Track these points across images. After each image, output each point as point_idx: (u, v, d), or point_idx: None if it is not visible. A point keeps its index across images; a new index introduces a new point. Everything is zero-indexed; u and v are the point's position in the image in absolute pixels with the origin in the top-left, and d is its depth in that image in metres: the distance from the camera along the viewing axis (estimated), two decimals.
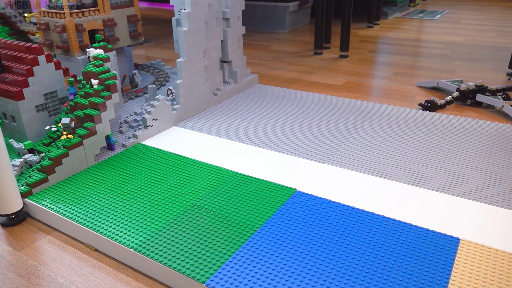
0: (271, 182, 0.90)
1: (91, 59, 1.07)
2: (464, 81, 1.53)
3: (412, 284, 0.62)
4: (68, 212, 0.82)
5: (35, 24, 1.85)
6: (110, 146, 1.06)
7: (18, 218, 0.86)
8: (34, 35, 1.93)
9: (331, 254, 0.69)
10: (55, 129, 1.04)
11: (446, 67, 1.83)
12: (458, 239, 0.71)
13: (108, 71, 1.02)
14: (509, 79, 1.57)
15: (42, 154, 0.97)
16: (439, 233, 0.73)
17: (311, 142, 1.09)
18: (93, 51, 1.07)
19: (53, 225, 0.85)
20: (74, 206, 0.84)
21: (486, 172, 0.92)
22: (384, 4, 3.03)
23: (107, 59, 1.05)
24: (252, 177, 0.92)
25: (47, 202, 0.85)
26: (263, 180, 0.91)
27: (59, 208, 0.83)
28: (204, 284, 0.64)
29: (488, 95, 1.37)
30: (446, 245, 0.70)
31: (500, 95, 1.37)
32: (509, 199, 0.83)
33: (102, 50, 1.09)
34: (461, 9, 3.33)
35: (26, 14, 1.98)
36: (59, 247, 0.79)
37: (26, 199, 0.87)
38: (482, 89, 1.38)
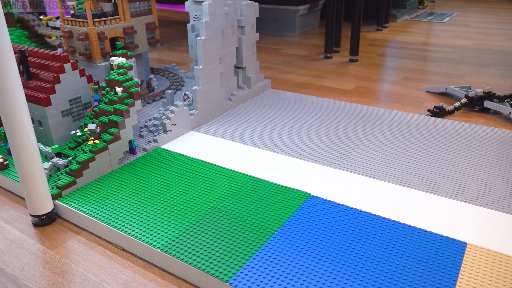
0: (286, 187, 0.95)
1: (115, 67, 1.12)
2: (472, 87, 1.57)
3: (421, 285, 0.67)
4: (96, 213, 0.87)
5: (52, 28, 1.92)
6: (132, 150, 1.11)
7: (49, 218, 0.92)
8: (50, 37, 1.99)
9: (345, 256, 0.74)
10: (80, 133, 1.10)
11: (455, 72, 1.86)
12: (465, 244, 0.76)
13: (131, 79, 1.08)
14: None
15: (69, 158, 1.03)
16: (447, 238, 0.77)
17: (324, 148, 1.13)
18: (116, 60, 1.12)
19: (82, 225, 0.90)
20: (101, 207, 0.89)
21: (494, 179, 0.96)
22: (393, 7, 3.06)
23: (130, 68, 1.11)
24: (268, 182, 0.97)
25: (76, 204, 0.91)
26: (278, 185, 0.96)
27: (87, 209, 0.89)
28: (227, 283, 0.69)
29: (496, 102, 1.40)
30: (454, 249, 0.74)
31: (507, 101, 1.41)
32: None
33: (125, 59, 1.14)
34: (470, 11, 3.35)
35: (42, 17, 2.04)
36: (89, 247, 0.84)
37: (56, 201, 0.92)
38: (490, 96, 1.42)
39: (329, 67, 2.01)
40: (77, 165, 0.96)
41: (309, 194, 0.92)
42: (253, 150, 1.13)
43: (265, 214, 0.86)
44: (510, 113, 1.33)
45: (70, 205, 0.91)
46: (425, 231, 0.79)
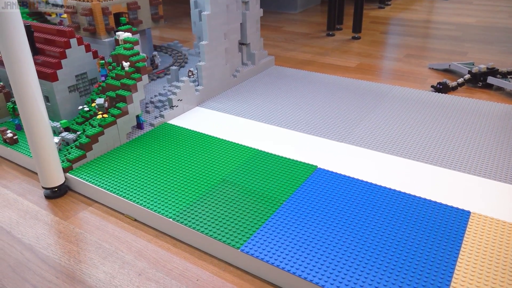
0: (293, 160, 0.97)
1: (121, 42, 1.12)
2: (475, 64, 1.57)
3: (425, 254, 0.69)
4: (108, 185, 0.89)
5: (53, 5, 1.90)
6: (139, 125, 1.12)
7: (61, 191, 0.93)
8: (50, 15, 1.97)
9: (351, 226, 0.76)
10: (87, 108, 1.11)
11: (458, 49, 1.86)
12: (469, 212, 0.78)
13: (138, 53, 1.08)
14: None
15: (78, 133, 1.04)
16: (451, 207, 0.80)
17: (329, 122, 1.15)
18: (122, 35, 1.12)
19: (93, 197, 0.92)
20: (112, 179, 0.91)
21: (496, 151, 0.98)
22: None
23: (136, 42, 1.11)
24: (275, 155, 0.99)
25: (87, 176, 0.93)
26: (285, 158, 0.97)
27: (98, 181, 0.91)
28: (239, 250, 0.71)
29: (499, 78, 1.41)
30: (458, 218, 0.77)
31: (510, 77, 1.42)
32: None
33: (130, 34, 1.14)
34: None
35: None
36: (101, 217, 0.87)
37: (67, 174, 0.94)
38: (493, 72, 1.43)
39: (332, 45, 2.01)
40: (87, 139, 0.97)
41: (316, 166, 0.94)
42: (259, 125, 1.14)
43: (273, 186, 0.87)
44: None
45: (81, 177, 0.92)
46: (430, 201, 0.82)
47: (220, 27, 1.28)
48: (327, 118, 1.17)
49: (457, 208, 0.79)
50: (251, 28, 1.44)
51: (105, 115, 1.01)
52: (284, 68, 1.60)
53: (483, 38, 2.02)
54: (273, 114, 1.20)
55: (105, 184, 0.90)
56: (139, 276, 0.71)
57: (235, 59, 1.41)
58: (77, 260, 0.75)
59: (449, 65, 1.58)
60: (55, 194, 0.93)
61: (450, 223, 0.75)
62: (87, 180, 0.92)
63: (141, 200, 0.84)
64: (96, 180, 0.91)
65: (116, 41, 1.16)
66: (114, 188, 0.88)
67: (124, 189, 0.88)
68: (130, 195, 0.86)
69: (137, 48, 1.13)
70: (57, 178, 0.92)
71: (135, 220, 0.86)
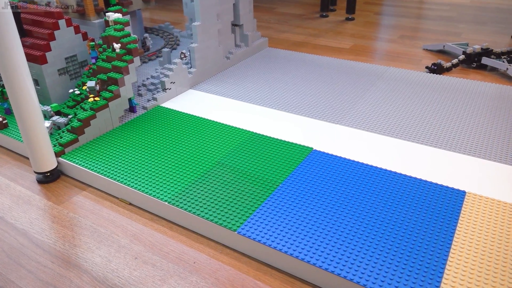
0: (288, 142, 0.96)
1: (111, 24, 1.09)
2: (469, 44, 1.56)
3: (421, 234, 0.70)
4: (101, 169, 0.88)
5: None
6: (132, 108, 1.10)
7: (53, 175, 0.92)
8: None
9: (348, 207, 0.76)
10: (78, 92, 1.09)
11: (452, 30, 1.85)
12: (464, 192, 0.78)
13: (129, 35, 1.05)
14: None
15: (69, 116, 1.02)
16: (447, 187, 0.80)
17: (324, 104, 1.14)
18: (112, 15, 1.09)
19: (87, 181, 0.91)
20: (106, 163, 0.90)
21: (491, 132, 0.98)
22: None
23: (127, 23, 1.08)
24: (270, 137, 0.98)
25: (80, 161, 0.91)
26: (280, 140, 0.97)
27: (92, 165, 0.89)
28: (235, 232, 0.71)
29: (493, 58, 1.41)
30: (453, 198, 0.77)
31: (504, 58, 1.41)
32: (509, 155, 0.89)
33: (120, 14, 1.11)
34: None
35: None
36: (96, 202, 0.86)
37: (60, 158, 0.93)
38: (487, 52, 1.42)
39: (326, 26, 1.98)
40: (79, 122, 0.96)
41: (311, 148, 0.93)
42: (253, 108, 1.13)
43: (269, 168, 0.87)
44: (507, 69, 1.34)
45: (74, 162, 0.91)
46: (425, 181, 0.82)
47: (212, 8, 1.25)
48: (322, 100, 1.16)
49: (453, 188, 0.79)
50: (244, 8, 1.41)
51: (96, 98, 0.99)
52: (277, 50, 1.58)
53: (477, 18, 2.01)
54: (267, 96, 1.19)
55: (99, 168, 0.88)
56: (135, 260, 0.71)
57: (228, 40, 1.39)
58: (72, 245, 0.74)
59: (444, 46, 1.57)
60: (48, 178, 0.92)
61: (446, 203, 0.76)
62: (80, 164, 0.90)
63: (135, 183, 0.83)
64: (89, 164, 0.90)
65: (106, 22, 1.13)
66: (108, 172, 0.87)
67: (118, 172, 0.87)
68: (125, 179, 0.85)
69: (128, 29, 1.10)
70: (49, 162, 0.90)
71: (130, 204, 0.85)
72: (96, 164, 0.90)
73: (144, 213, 0.82)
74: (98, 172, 0.87)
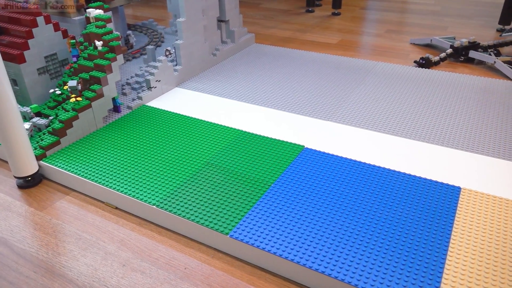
0: (279, 140, 0.94)
1: (92, 20, 1.05)
2: (456, 38, 1.56)
3: (419, 230, 0.68)
4: (86, 173, 0.84)
5: None
6: (116, 108, 1.07)
7: (34, 180, 0.88)
8: None
9: (342, 206, 0.74)
10: (59, 92, 1.04)
11: (438, 24, 1.85)
12: (459, 188, 0.77)
13: (112, 32, 1.02)
14: (500, 35, 1.61)
15: (50, 118, 0.98)
16: (442, 183, 0.78)
17: (314, 101, 1.12)
18: (93, 12, 1.05)
19: (70, 186, 0.87)
20: (90, 166, 0.86)
21: (481, 126, 0.98)
22: None
23: (109, 20, 1.04)
24: (260, 136, 0.95)
25: (63, 164, 0.87)
26: (271, 138, 0.94)
27: (75, 169, 0.86)
28: (228, 236, 0.68)
29: (480, 52, 1.41)
30: (449, 194, 0.76)
31: (491, 51, 1.41)
32: (503, 150, 0.88)
33: (102, 11, 1.07)
34: None
35: None
36: (80, 207, 0.82)
37: (41, 162, 0.89)
38: (474, 46, 1.42)
39: (312, 21, 1.96)
40: (60, 124, 0.92)
41: (303, 146, 0.91)
42: (242, 105, 1.10)
43: (260, 168, 0.84)
44: (494, 62, 1.34)
45: (57, 165, 0.87)
46: (419, 177, 0.80)
47: (197, 3, 1.22)
48: (312, 97, 1.14)
49: (448, 184, 0.78)
50: (229, 4, 1.38)
51: (79, 98, 0.95)
52: (264, 46, 1.55)
53: (462, 12, 2.01)
54: (256, 94, 1.16)
55: (83, 172, 0.85)
56: (123, 267, 0.68)
57: (214, 37, 1.36)
58: (56, 253, 0.71)
59: (431, 40, 1.57)
60: (29, 183, 0.88)
61: (442, 199, 0.74)
62: (62, 167, 0.86)
63: (122, 187, 0.80)
64: (73, 168, 0.86)
65: (87, 19, 1.09)
66: (93, 175, 0.83)
67: (103, 176, 0.83)
68: (110, 182, 0.81)
69: (110, 26, 1.06)
70: (30, 166, 0.86)
71: (116, 208, 0.81)
72: (79, 167, 0.86)
73: (131, 217, 0.79)
74: (82, 176, 0.84)
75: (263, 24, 1.93)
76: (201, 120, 1.03)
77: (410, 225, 0.69)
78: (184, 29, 1.19)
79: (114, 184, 0.81)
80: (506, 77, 1.28)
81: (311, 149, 0.90)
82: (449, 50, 1.42)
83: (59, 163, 0.88)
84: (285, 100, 1.12)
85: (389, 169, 0.83)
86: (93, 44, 1.01)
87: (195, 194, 0.78)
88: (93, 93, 0.97)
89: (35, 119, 0.97)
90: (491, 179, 0.80)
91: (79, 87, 0.97)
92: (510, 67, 1.28)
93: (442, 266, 0.61)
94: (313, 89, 1.18)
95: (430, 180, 0.79)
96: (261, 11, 2.15)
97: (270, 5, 2.27)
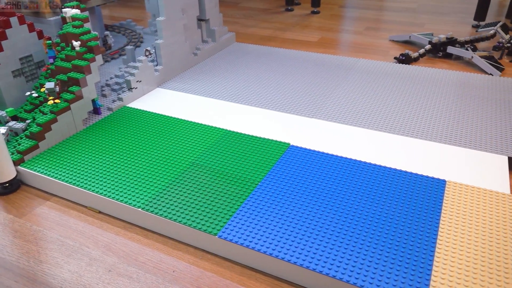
0: (264, 138, 0.93)
1: (69, 20, 1.02)
2: (434, 34, 1.58)
3: (407, 223, 0.68)
4: (67, 177, 0.82)
5: None
6: (96, 110, 1.04)
7: (12, 186, 0.85)
8: None
9: (331, 202, 0.74)
10: (36, 94, 1.01)
11: (415, 21, 1.88)
12: (444, 181, 0.78)
13: (89, 31, 0.99)
14: (476, 31, 1.64)
15: (27, 121, 0.94)
16: (427, 177, 0.79)
17: (298, 98, 1.11)
18: (69, 11, 1.02)
19: (51, 191, 0.84)
20: (71, 170, 0.84)
21: (463, 119, 0.99)
22: None
23: (86, 19, 1.01)
24: (244, 134, 0.94)
25: (42, 169, 0.84)
26: (256, 137, 0.93)
27: (56, 173, 0.83)
28: (216, 236, 0.67)
29: (457, 47, 1.43)
30: (434, 187, 0.76)
31: (468, 46, 1.44)
32: (484, 142, 0.90)
33: (79, 10, 1.04)
34: None
35: None
36: (62, 212, 0.79)
37: (19, 167, 0.85)
38: (452, 41, 1.44)
39: (292, 20, 1.97)
40: (38, 127, 0.89)
41: (289, 144, 0.91)
42: (225, 104, 1.09)
43: (246, 167, 0.83)
44: (472, 57, 1.36)
45: (35, 170, 0.84)
46: (405, 172, 0.81)
47: (177, 2, 1.20)
48: (295, 94, 1.14)
49: (433, 178, 0.79)
50: (209, 2, 1.36)
51: (57, 101, 0.92)
52: (245, 45, 1.54)
53: (438, 9, 2.05)
54: (239, 93, 1.15)
55: (64, 176, 0.82)
56: (109, 273, 0.66)
57: (194, 36, 1.34)
58: (38, 261, 0.68)
59: (409, 36, 1.59)
60: (7, 190, 0.84)
61: (428, 192, 0.75)
62: (42, 172, 0.83)
63: (105, 190, 0.78)
64: (53, 172, 0.83)
65: (63, 19, 1.06)
66: (74, 180, 0.81)
67: (85, 179, 0.81)
68: (93, 186, 0.79)
69: (88, 25, 1.03)
70: (8, 172, 0.83)
71: (100, 212, 0.79)
72: (60, 171, 0.84)
73: (115, 221, 0.77)
74: (62, 180, 0.81)
75: (243, 23, 1.92)
76: (184, 120, 1.01)
77: (398, 219, 0.69)
78: (164, 28, 1.17)
79: (97, 187, 0.78)
80: (483, 71, 1.31)
81: (296, 147, 0.90)
82: (428, 46, 1.44)
83: (38, 167, 0.85)
84: (269, 98, 1.11)
85: (374, 164, 0.83)
86: (70, 44, 0.98)
87: (181, 195, 0.76)
88: (72, 95, 0.94)
89: (12, 123, 0.93)
90: (474, 171, 0.81)
91: (57, 89, 0.94)
92: (487, 62, 1.31)
93: (431, 259, 0.62)
94: (296, 86, 1.18)
95: (416, 174, 0.80)
96: (240, 11, 2.14)
97: (249, 4, 2.27)
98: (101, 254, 0.69)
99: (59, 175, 0.82)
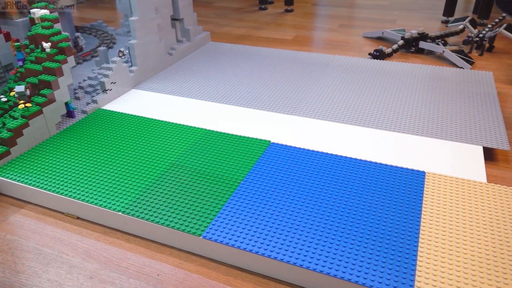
0: (245, 137, 0.92)
1: (37, 21, 0.99)
2: (406, 30, 1.62)
3: (390, 215, 0.69)
4: (42, 183, 0.79)
5: None
6: (69, 113, 1.01)
7: None
8: None
9: (314, 198, 0.74)
10: (6, 99, 0.97)
11: (387, 18, 1.91)
12: (423, 172, 0.79)
13: (60, 32, 0.96)
14: (446, 26, 1.68)
15: None
16: (407, 169, 0.80)
17: (277, 96, 1.11)
18: (38, 12, 0.99)
19: (25, 198, 0.81)
20: (46, 176, 0.81)
21: (438, 111, 1.01)
22: None
23: (56, 20, 0.98)
24: (224, 133, 0.94)
25: (14, 175, 0.81)
26: (236, 135, 0.93)
27: (30, 180, 0.80)
28: (201, 237, 0.66)
29: (429, 42, 1.46)
30: (414, 178, 0.78)
31: (439, 41, 1.48)
32: (460, 133, 0.92)
33: (48, 11, 1.01)
34: None
35: None
36: (37, 219, 0.76)
37: None
38: (423, 37, 1.48)
39: (266, 18, 1.97)
40: (9, 133, 0.85)
41: (269, 141, 0.90)
42: (203, 104, 1.08)
43: (228, 166, 0.83)
44: (443, 51, 1.39)
45: (8, 177, 0.81)
46: (385, 165, 0.82)
47: (150, 1, 1.18)
48: (273, 92, 1.13)
49: (412, 170, 0.80)
50: (183, 1, 1.34)
51: (28, 104, 0.89)
52: (221, 44, 1.53)
53: (408, 6, 2.09)
54: (216, 92, 1.14)
55: (38, 182, 0.79)
56: (91, 280, 0.64)
57: (169, 36, 1.32)
58: (15, 271, 0.65)
59: (382, 32, 1.61)
60: None
61: (409, 184, 0.76)
62: (14, 179, 0.80)
63: (83, 195, 0.75)
64: (26, 179, 0.80)
65: (32, 20, 1.02)
66: (50, 186, 0.78)
67: (62, 185, 0.78)
68: (70, 191, 0.76)
69: (58, 26, 1.00)
70: None
71: (78, 218, 0.77)
72: (34, 177, 0.80)
73: (95, 226, 0.75)
74: (37, 187, 0.78)
75: (217, 23, 1.91)
76: (162, 121, 0.99)
77: (381, 211, 0.70)
78: (138, 28, 1.15)
79: (74, 193, 0.76)
80: (454, 65, 1.34)
81: (277, 144, 0.90)
82: (401, 42, 1.47)
83: (11, 174, 0.81)
84: (247, 97, 1.11)
85: (355, 159, 0.84)
86: (40, 46, 0.94)
87: (162, 197, 0.75)
88: (43, 98, 0.91)
89: None
90: (451, 162, 0.83)
91: (28, 92, 0.91)
92: (458, 56, 1.34)
93: (415, 249, 0.62)
94: (274, 84, 1.18)
95: (396, 167, 0.81)
96: (214, 10, 2.13)
97: (222, 3, 2.25)
98: (81, 261, 0.67)
99: (33, 181, 0.79)
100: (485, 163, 0.84)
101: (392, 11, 2.01)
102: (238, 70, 1.27)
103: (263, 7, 2.12)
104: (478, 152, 0.86)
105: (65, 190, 0.77)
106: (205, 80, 1.21)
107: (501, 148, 0.87)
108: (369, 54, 1.44)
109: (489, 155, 0.89)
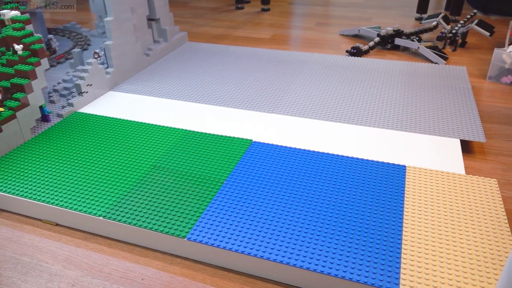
0: (226, 136, 0.91)
1: (8, 23, 0.95)
2: (381, 27, 1.64)
3: (374, 210, 0.70)
4: (17, 190, 0.76)
5: None
6: (44, 117, 0.98)
7: None
8: None
9: (297, 196, 0.74)
10: None
11: (363, 15, 1.94)
12: (404, 166, 0.80)
13: (32, 34, 0.93)
14: (420, 23, 1.72)
15: None
16: (388, 163, 0.81)
17: (256, 94, 1.11)
18: (8, 13, 0.95)
19: (0, 206, 0.78)
20: (21, 183, 0.78)
21: (415, 106, 1.03)
22: None
23: (28, 21, 0.95)
24: (205, 133, 0.93)
25: None
26: (217, 135, 0.92)
27: (5, 187, 0.77)
28: (185, 239, 0.65)
29: (404, 39, 1.49)
30: (396, 173, 0.79)
31: (414, 38, 1.50)
32: (437, 127, 0.94)
33: (18, 12, 0.98)
34: None
35: None
36: (13, 228, 0.74)
37: None
38: (399, 34, 1.50)
39: (243, 18, 1.96)
40: None
41: (251, 140, 0.90)
42: (183, 104, 1.07)
43: (210, 166, 0.82)
44: (418, 48, 1.42)
45: None
46: (367, 160, 0.82)
47: (125, 1, 1.15)
48: (253, 91, 1.13)
49: (393, 164, 0.81)
50: (158, 1, 1.33)
51: (0, 109, 0.86)
52: (198, 44, 1.52)
53: (383, 4, 2.13)
54: (195, 92, 1.13)
55: (13, 189, 0.76)
56: (72, 287, 0.62)
57: (145, 36, 1.30)
58: None
59: (359, 30, 1.63)
60: None
61: (390, 178, 0.77)
62: None
63: (61, 201, 0.73)
64: (1, 186, 0.77)
65: (1, 22, 0.99)
66: (26, 192, 0.75)
67: (38, 191, 0.76)
68: (47, 198, 0.74)
69: (30, 27, 0.97)
70: None
71: (57, 224, 0.74)
72: (8, 184, 0.78)
73: (75, 232, 0.73)
74: (12, 194, 0.75)
75: (193, 23, 1.89)
76: (141, 122, 0.98)
77: (365, 206, 0.70)
78: (113, 29, 1.13)
79: (52, 199, 0.74)
80: (429, 60, 1.37)
81: (259, 143, 0.89)
82: (377, 39, 1.49)
83: None
84: (227, 96, 1.10)
85: (337, 155, 0.84)
86: (11, 48, 0.91)
87: (144, 199, 0.73)
88: (16, 102, 0.88)
89: None
90: (430, 155, 0.84)
91: (0, 96, 0.88)
92: (432, 51, 1.37)
93: (399, 242, 0.63)
94: (253, 83, 1.18)
95: (377, 162, 0.82)
96: (190, 10, 2.11)
97: (198, 3, 2.24)
98: (61, 268, 0.65)
99: (8, 188, 0.77)
100: (463, 155, 0.86)
101: (367, 8, 2.04)
102: (217, 70, 1.27)
103: (239, 6, 2.12)
104: (455, 145, 0.88)
105: (43, 197, 0.74)
106: (183, 81, 1.20)
107: (477, 141, 0.89)
108: (347, 51, 1.45)
109: (466, 147, 0.91)
